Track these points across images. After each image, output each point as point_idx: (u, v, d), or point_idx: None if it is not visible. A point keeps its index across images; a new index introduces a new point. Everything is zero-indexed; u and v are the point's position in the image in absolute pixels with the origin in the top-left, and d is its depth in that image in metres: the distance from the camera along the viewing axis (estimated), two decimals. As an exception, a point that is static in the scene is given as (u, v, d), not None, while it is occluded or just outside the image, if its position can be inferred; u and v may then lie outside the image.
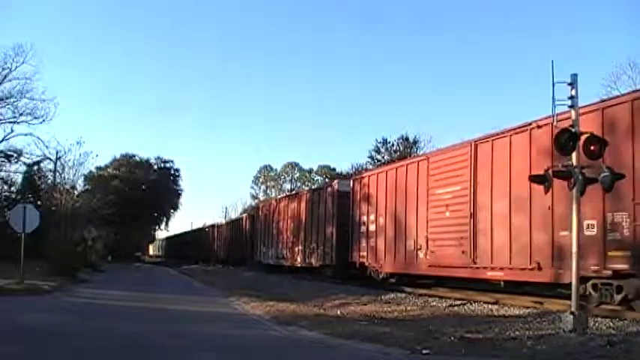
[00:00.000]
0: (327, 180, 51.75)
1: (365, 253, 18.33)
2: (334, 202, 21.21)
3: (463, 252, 13.52)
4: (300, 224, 24.73)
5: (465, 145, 14.03)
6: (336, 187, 21.75)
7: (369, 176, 19.27)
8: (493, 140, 13.16)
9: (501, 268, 12.41)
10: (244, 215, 40.72)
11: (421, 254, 15.23)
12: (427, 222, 15.06)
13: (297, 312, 12.38)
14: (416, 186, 15.76)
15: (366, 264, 18.26)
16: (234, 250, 39.34)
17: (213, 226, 49.58)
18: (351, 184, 20.16)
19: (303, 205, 24.83)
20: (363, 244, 18.45)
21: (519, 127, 12.34)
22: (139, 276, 30.21)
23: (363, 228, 18.60)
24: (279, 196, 39.90)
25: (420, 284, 16.45)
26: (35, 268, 20.63)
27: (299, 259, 24.36)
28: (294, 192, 34.14)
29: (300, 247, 24.29)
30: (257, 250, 31.59)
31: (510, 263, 12.10)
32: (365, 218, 18.54)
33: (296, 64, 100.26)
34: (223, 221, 49.20)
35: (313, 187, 34.90)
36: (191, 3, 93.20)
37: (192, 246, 54.35)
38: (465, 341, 8.01)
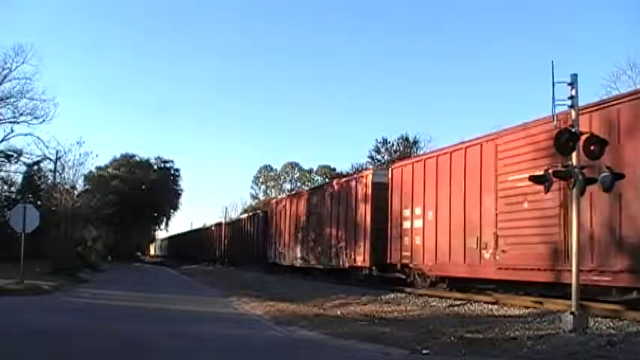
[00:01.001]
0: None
1: (408, 254, 15.96)
2: (367, 196, 18.70)
3: (551, 251, 11.16)
4: (323, 221, 22.33)
5: (548, 121, 10.19)
6: (369, 177, 19.02)
7: (414, 163, 16.61)
8: (593, 111, 10.25)
9: (616, 272, 9.79)
10: (255, 213, 37.58)
11: (487, 254, 12.80)
12: (495, 215, 12.64)
13: (297, 312, 12.38)
14: (479, 173, 13.32)
15: (411, 265, 16.10)
16: (242, 250, 36.95)
17: (219, 224, 47.34)
18: (389, 174, 17.57)
19: (327, 199, 22.27)
20: (406, 242, 16.04)
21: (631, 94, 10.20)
22: (139, 276, 30.21)
23: (407, 224, 16.17)
24: (298, 190, 37.20)
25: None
26: (35, 268, 20.63)
27: (324, 260, 21.87)
28: (316, 185, 30.87)
29: (323, 247, 22.00)
30: (271, 251, 29.06)
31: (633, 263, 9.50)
32: (408, 212, 16.10)
33: (296, 64, 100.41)
34: (230, 219, 47.08)
35: (340, 179, 28.94)
36: (191, 3, 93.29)
37: (193, 246, 54.05)
38: (465, 341, 8.02)
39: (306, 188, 30.53)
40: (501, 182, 12.55)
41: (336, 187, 22.02)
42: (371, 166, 39.91)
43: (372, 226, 18.22)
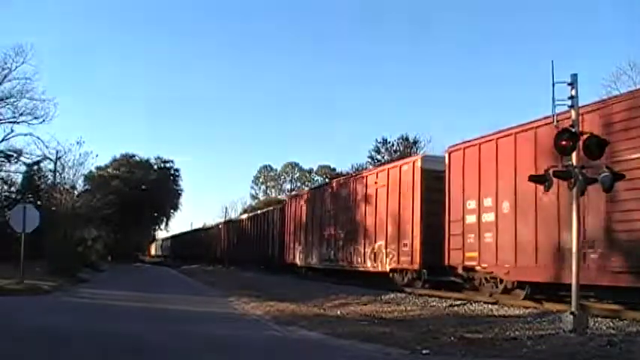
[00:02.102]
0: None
1: (474, 254, 13.35)
2: (415, 186, 16.07)
3: None
4: (355, 217, 19.70)
5: None
6: (418, 164, 16.29)
7: (481, 144, 13.61)
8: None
9: None
10: (269, 209, 33.92)
11: (593, 255, 10.29)
12: (606, 203, 10.07)
13: (297, 312, 12.38)
14: None
15: (478, 268, 13.43)
16: (252, 250, 34.47)
17: (229, 221, 44.88)
18: (447, 159, 14.81)
19: (360, 191, 19.49)
20: (470, 240, 13.44)
21: None
22: (139, 276, 30.20)
23: (471, 218, 13.57)
24: (324, 182, 33.68)
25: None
26: (35, 268, 20.61)
27: (357, 262, 19.18)
28: (346, 175, 26.09)
29: (356, 247, 19.28)
30: (289, 251, 26.20)
31: None
32: (474, 204, 13.53)
33: (296, 64, 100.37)
34: (242, 217, 44.07)
35: (376, 165, 27.92)
36: (191, 3, 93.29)
37: (194, 246, 53.74)
38: (464, 341, 8.02)
39: (337, 178, 26.02)
40: (615, 159, 9.65)
41: (371, 177, 19.12)
42: (371, 166, 39.64)
43: (421, 221, 15.67)
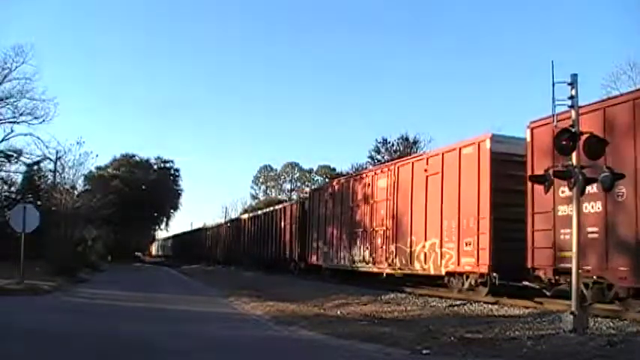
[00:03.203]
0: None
1: (570, 253, 9.29)
2: (483, 171, 13.34)
3: None
4: (400, 210, 16.83)
5: None
6: (486, 145, 13.39)
7: (585, 113, 9.70)
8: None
9: None
10: (288, 204, 30.63)
11: None
12: None
13: (297, 312, 12.38)
14: None
15: (592, 270, 10.27)
16: (264, 250, 31.25)
17: (237, 220, 41.88)
18: (528, 137, 11.98)
19: (404, 180, 16.70)
20: (563, 237, 10.74)
21: None
22: (138, 276, 30.21)
23: (563, 209, 10.88)
24: (357, 172, 27.78)
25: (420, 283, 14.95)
26: (35, 268, 20.63)
27: (401, 263, 16.42)
28: (387, 161, 22.72)
29: (400, 246, 16.49)
30: (311, 251, 23.34)
31: None
32: (568, 191, 10.15)
33: (296, 64, 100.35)
34: (243, 216, 41.10)
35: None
36: (191, 3, 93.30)
37: (196, 246, 53.38)
38: (465, 341, 8.02)
39: (377, 165, 22.30)
40: None
41: (419, 163, 16.22)
42: (371, 166, 39.29)
43: (491, 214, 13.00)
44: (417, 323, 10.19)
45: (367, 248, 18.57)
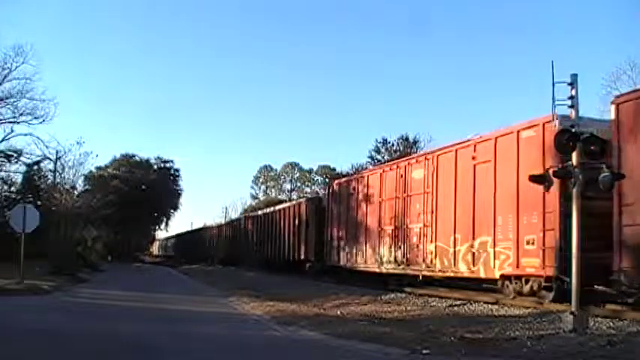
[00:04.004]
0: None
1: None
2: (546, 158, 11.22)
3: None
4: (440, 205, 14.96)
5: None
6: (551, 127, 11.07)
7: None
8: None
9: None
10: (302, 201, 28.20)
11: None
12: None
13: (297, 312, 12.38)
14: None
15: None
16: (275, 250, 29.18)
17: (242, 218, 40.24)
18: (614, 114, 10.35)
19: (446, 170, 14.76)
20: None
21: None
22: (139, 276, 30.20)
23: None
24: (387, 162, 24.67)
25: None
26: (35, 268, 20.63)
27: (443, 264, 14.57)
28: (425, 151, 18.91)
29: (441, 245, 14.69)
30: (331, 251, 21.36)
31: None
32: None
33: (296, 64, 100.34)
34: (254, 213, 38.41)
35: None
36: (190, 4, 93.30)
37: (197, 246, 53.20)
38: (465, 341, 8.02)
39: (413, 156, 19.39)
40: None
41: (465, 150, 14.23)
42: (371, 166, 38.70)
43: (560, 208, 11.00)
44: (417, 323, 10.19)
45: (399, 248, 16.54)
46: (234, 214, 59.88)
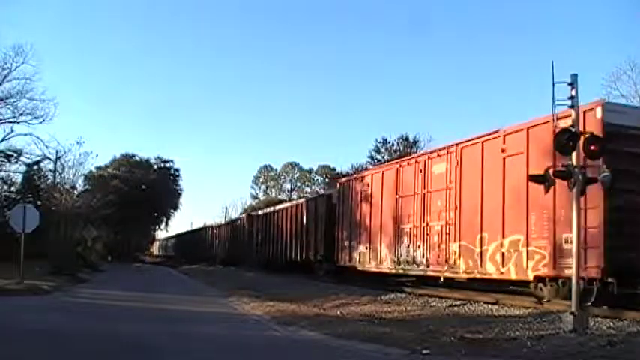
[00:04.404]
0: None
1: None
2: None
3: None
4: (464, 201, 14.03)
5: None
6: (597, 114, 10.45)
7: None
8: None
9: None
10: (311, 198, 27.27)
11: None
12: None
13: (297, 312, 12.38)
14: None
15: None
16: (280, 250, 28.24)
17: (248, 217, 38.15)
18: None
19: (472, 163, 13.77)
20: None
21: None
22: (139, 276, 30.19)
23: None
24: (405, 156, 21.78)
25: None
26: (35, 268, 20.63)
27: (467, 265, 13.59)
28: (443, 146, 15.90)
29: (465, 244, 13.70)
30: (343, 251, 20.31)
31: None
32: None
33: (296, 64, 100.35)
34: (257, 213, 36.51)
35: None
36: (190, 4, 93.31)
37: (197, 246, 52.99)
38: (465, 341, 8.02)
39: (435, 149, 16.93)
40: None
41: (492, 142, 13.21)
42: (371, 166, 38.98)
43: (605, 202, 10.11)
44: (417, 323, 10.18)
45: (418, 247, 15.56)
46: (234, 214, 59.95)
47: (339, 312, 12.35)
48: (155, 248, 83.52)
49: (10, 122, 31.77)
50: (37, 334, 8.65)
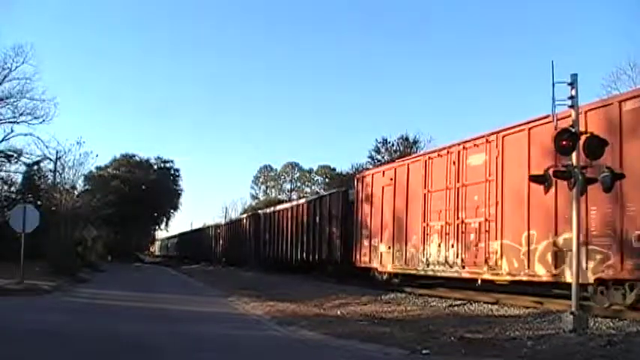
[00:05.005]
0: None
1: None
2: None
3: None
4: (508, 194, 12.54)
5: None
6: None
7: None
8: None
9: None
10: (324, 194, 25.13)
11: None
12: None
13: (297, 312, 12.38)
14: None
15: None
16: (288, 250, 26.99)
17: (253, 215, 36.86)
18: None
19: (516, 154, 12.31)
20: None
21: None
22: (139, 276, 30.20)
23: None
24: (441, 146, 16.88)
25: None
26: (35, 268, 20.63)
27: (512, 265, 12.05)
28: (480, 135, 14.17)
29: (509, 243, 12.29)
30: (361, 251, 18.79)
31: None
32: None
33: (296, 64, 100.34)
34: (263, 212, 34.55)
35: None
36: (190, 3, 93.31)
37: (198, 246, 52.64)
38: (465, 341, 8.02)
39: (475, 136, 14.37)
40: None
41: (538, 130, 11.68)
42: (371, 166, 39.06)
43: None
44: (417, 323, 10.18)
45: (452, 247, 14.17)
46: (234, 214, 59.91)
47: (339, 312, 12.35)
48: (155, 248, 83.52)
49: (10, 122, 31.82)
50: (37, 334, 8.65)
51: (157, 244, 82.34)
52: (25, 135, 31.92)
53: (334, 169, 65.34)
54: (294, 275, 24.74)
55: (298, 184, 77.75)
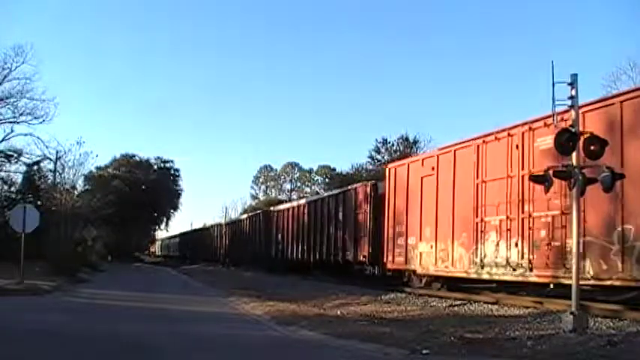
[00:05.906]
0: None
1: None
2: None
3: None
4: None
5: None
6: None
7: None
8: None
9: None
10: (350, 188, 22.29)
11: None
12: None
13: (297, 312, 12.38)
14: None
15: None
16: (308, 250, 24.85)
17: (264, 212, 34.10)
18: None
19: (601, 133, 9.11)
20: None
21: None
22: (139, 276, 30.21)
23: None
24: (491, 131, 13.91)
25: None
26: (35, 268, 20.65)
27: (598, 267, 10.13)
28: (550, 113, 9.83)
29: (591, 240, 10.22)
30: (393, 251, 16.88)
31: None
32: None
33: (296, 64, 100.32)
34: (277, 208, 32.47)
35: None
36: (191, 2, 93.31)
37: (199, 246, 52.50)
38: (464, 341, 8.01)
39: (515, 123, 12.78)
40: None
41: (635, 101, 9.90)
42: (371, 166, 38.98)
43: None
44: (417, 323, 10.18)
45: (514, 245, 12.16)
46: (234, 214, 59.86)
47: (339, 312, 12.34)
48: (156, 248, 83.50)
49: (10, 122, 31.84)
50: (37, 334, 8.65)
51: (157, 244, 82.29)
52: (25, 135, 31.98)
53: (334, 169, 65.39)
54: (294, 275, 24.72)
55: (298, 184, 77.73)
